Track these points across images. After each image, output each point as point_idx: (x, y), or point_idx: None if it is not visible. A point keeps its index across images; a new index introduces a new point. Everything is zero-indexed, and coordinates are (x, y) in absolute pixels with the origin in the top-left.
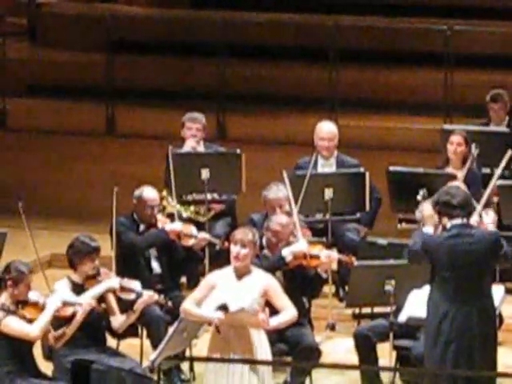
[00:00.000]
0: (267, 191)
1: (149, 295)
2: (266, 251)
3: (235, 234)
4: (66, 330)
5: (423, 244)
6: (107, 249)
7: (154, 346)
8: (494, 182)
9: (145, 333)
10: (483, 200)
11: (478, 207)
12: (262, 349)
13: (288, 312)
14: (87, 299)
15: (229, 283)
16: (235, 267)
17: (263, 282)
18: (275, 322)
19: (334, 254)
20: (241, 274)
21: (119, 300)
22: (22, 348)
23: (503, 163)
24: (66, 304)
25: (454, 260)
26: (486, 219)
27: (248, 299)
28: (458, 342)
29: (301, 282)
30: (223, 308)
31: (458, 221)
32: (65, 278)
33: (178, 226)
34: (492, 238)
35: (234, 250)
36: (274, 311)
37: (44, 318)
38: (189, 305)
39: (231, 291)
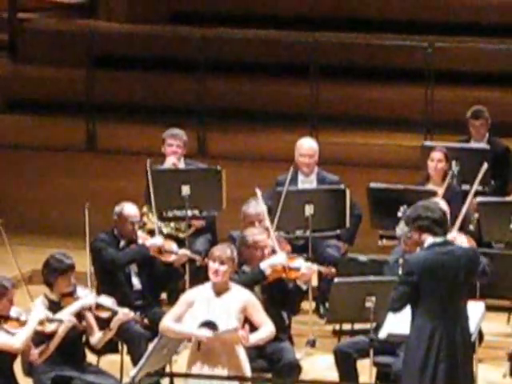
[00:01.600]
0: (247, 206)
1: (124, 313)
2: (245, 267)
3: (214, 251)
4: (48, 346)
5: (407, 265)
6: (87, 265)
7: (135, 362)
8: (471, 197)
9: (125, 349)
10: (461, 216)
11: (457, 223)
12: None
13: (266, 328)
14: (65, 316)
15: (207, 300)
16: (214, 284)
17: (242, 298)
18: (254, 338)
19: (314, 266)
20: (220, 291)
21: (98, 318)
22: (3, 363)
23: (479, 177)
24: (48, 320)
25: (439, 278)
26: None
27: (227, 315)
28: (448, 361)
29: (280, 296)
30: (211, 325)
31: (439, 238)
32: (41, 295)
33: (158, 241)
34: (472, 253)
35: (213, 266)
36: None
37: (27, 331)
38: (169, 322)
39: (210, 307)
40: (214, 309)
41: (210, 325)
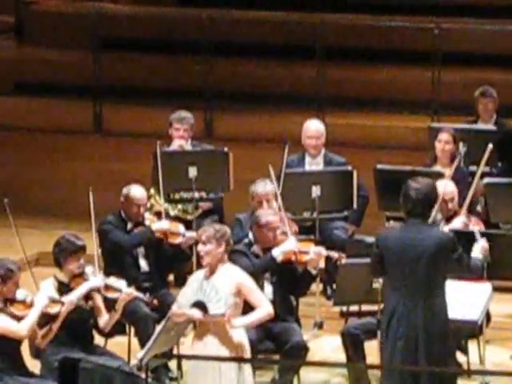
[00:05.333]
0: (255, 186)
1: (127, 293)
2: (255, 248)
3: (198, 233)
4: (51, 328)
5: (376, 237)
6: (93, 247)
7: (142, 344)
8: (477, 178)
9: (132, 331)
10: (468, 197)
11: (465, 205)
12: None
13: (262, 309)
14: (72, 298)
15: (199, 281)
16: (205, 265)
17: (235, 279)
18: (242, 321)
19: (324, 251)
20: (212, 271)
21: (107, 299)
22: (10, 346)
23: (484, 158)
24: (52, 301)
25: (400, 253)
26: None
27: (217, 295)
28: (405, 339)
29: (290, 281)
30: (200, 306)
31: (415, 218)
32: (51, 277)
33: (164, 224)
34: (443, 237)
35: (199, 248)
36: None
37: (32, 317)
38: (174, 307)
39: (200, 288)
40: (204, 289)
41: (199, 305)
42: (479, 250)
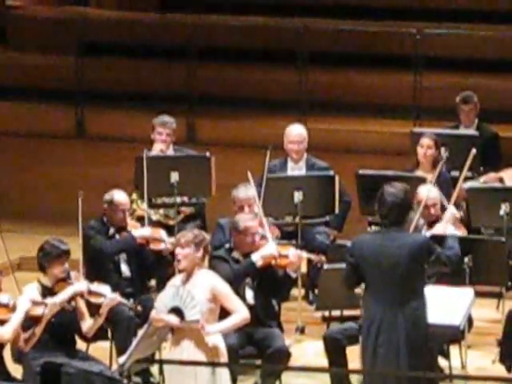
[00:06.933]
0: (236, 191)
1: (111, 298)
2: (235, 253)
3: (177, 237)
4: (34, 331)
5: (350, 246)
6: (76, 252)
7: (120, 343)
8: (460, 183)
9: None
10: (451, 202)
11: (447, 209)
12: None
13: (238, 314)
14: (55, 301)
15: (175, 286)
16: (181, 269)
17: (210, 284)
18: (216, 327)
19: (304, 254)
20: (188, 277)
21: (90, 304)
22: None
23: (468, 163)
24: (35, 303)
25: (378, 261)
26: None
27: (192, 301)
28: (386, 347)
29: (270, 284)
30: (177, 311)
31: (390, 224)
32: (35, 281)
33: (146, 231)
34: (419, 243)
35: (176, 251)
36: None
37: (15, 320)
38: (153, 311)
39: (176, 294)
40: (180, 295)
41: (176, 311)
42: (449, 217)
